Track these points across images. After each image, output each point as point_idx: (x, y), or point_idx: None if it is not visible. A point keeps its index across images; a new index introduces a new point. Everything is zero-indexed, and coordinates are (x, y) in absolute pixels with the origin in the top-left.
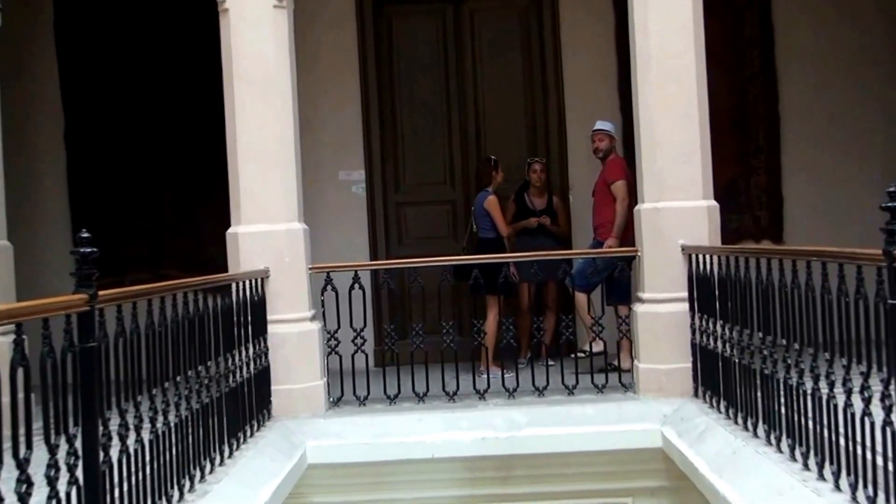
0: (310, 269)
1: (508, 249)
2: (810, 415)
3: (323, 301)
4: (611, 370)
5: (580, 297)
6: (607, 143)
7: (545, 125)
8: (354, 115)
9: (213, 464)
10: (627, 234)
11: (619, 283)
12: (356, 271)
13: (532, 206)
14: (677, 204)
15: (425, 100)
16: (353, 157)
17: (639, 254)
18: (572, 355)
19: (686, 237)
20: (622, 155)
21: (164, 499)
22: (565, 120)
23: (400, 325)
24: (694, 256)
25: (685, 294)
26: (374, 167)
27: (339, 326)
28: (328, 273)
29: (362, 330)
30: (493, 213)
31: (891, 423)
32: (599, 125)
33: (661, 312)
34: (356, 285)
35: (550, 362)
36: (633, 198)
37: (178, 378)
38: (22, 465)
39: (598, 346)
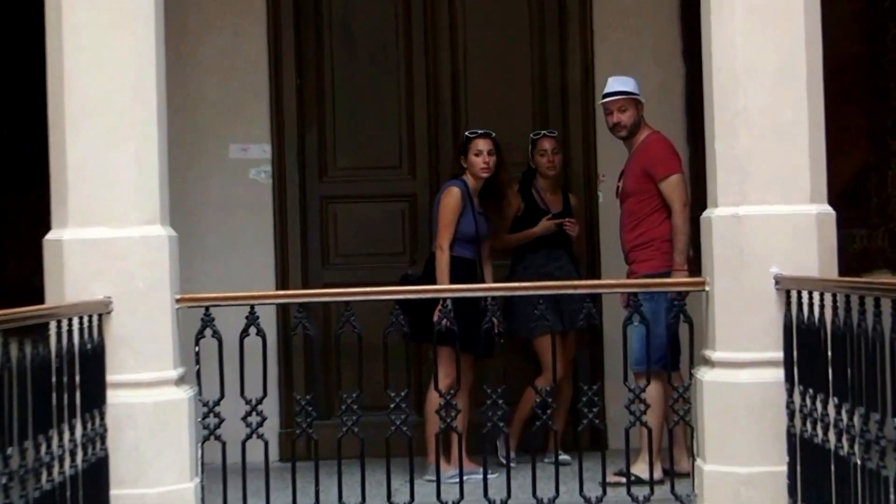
0: (178, 300)
1: (482, 277)
2: None
3: (198, 354)
4: (646, 480)
5: (655, 393)
6: (633, 112)
7: (561, 83)
8: (257, 54)
9: None
10: (670, 262)
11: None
12: (253, 306)
13: (545, 206)
14: (770, 209)
15: (372, 36)
16: (252, 123)
17: (706, 288)
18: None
19: (782, 263)
20: (668, 133)
21: None
22: (593, 74)
23: (322, 394)
24: (795, 294)
25: (779, 354)
26: (287, 139)
27: (222, 395)
28: (207, 309)
29: (260, 401)
30: (440, 218)
31: None
32: (617, 84)
33: (741, 383)
34: (252, 329)
35: (563, 457)
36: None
37: None
38: None
39: (658, 472)
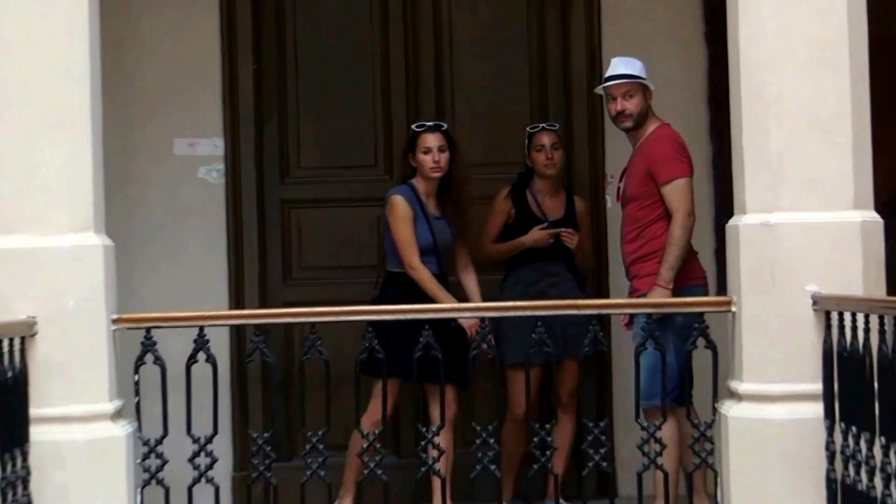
0: (114, 321)
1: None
2: None
3: (138, 383)
4: None
5: (669, 432)
6: (640, 100)
7: (563, 69)
8: (208, 34)
9: None
10: (684, 275)
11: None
12: (202, 328)
13: (541, 212)
14: (806, 217)
15: (342, 13)
16: (201, 113)
17: (732, 309)
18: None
19: (821, 279)
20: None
21: None
22: (600, 59)
23: (283, 432)
24: (835, 316)
25: (817, 386)
26: (243, 132)
27: (166, 432)
28: (149, 331)
29: (210, 440)
30: (395, 236)
31: None
32: (621, 66)
33: (773, 420)
34: (201, 355)
35: None
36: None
37: None
38: None
39: None
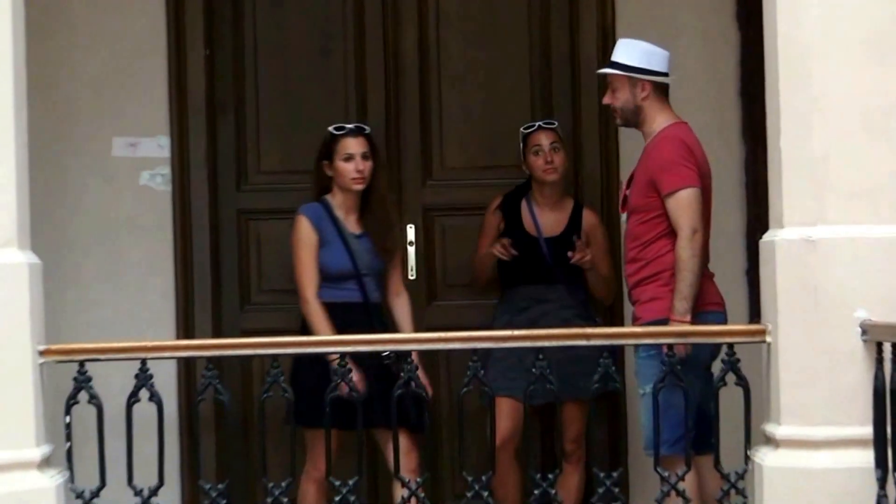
0: (42, 352)
1: (388, 323)
2: None
3: (70, 426)
4: None
5: (690, 483)
6: (627, 95)
7: (570, 55)
8: (152, 12)
9: None
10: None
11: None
12: (144, 361)
13: (536, 227)
14: (855, 231)
15: None
16: (144, 108)
17: (767, 339)
18: None
19: (871, 304)
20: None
21: None
22: (613, 42)
23: (240, 481)
24: (888, 348)
25: (867, 430)
26: (193, 131)
27: (103, 483)
28: (82, 364)
29: (156, 492)
30: (291, 249)
31: None
32: (617, 51)
33: (816, 469)
34: (144, 393)
35: None
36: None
37: None
38: None
39: None
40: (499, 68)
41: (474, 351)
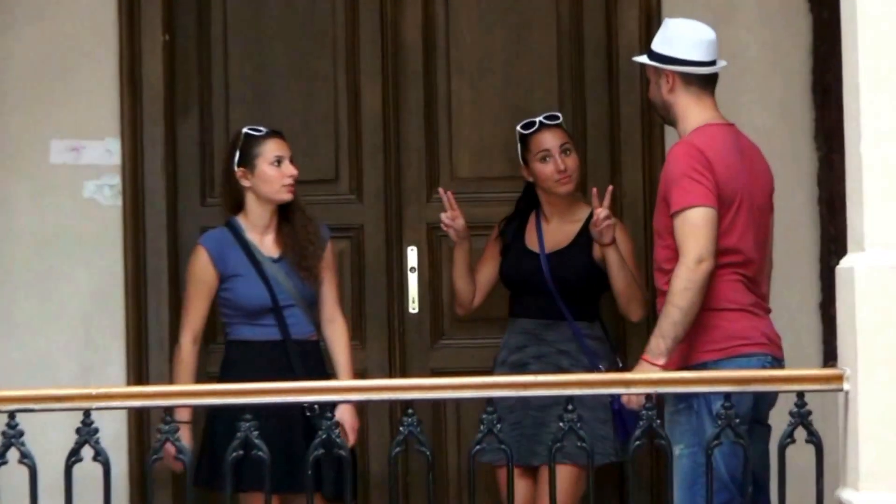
0: None
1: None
2: None
3: None
4: None
5: None
6: (655, 88)
7: (606, 43)
8: None
9: None
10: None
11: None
12: (88, 412)
13: (539, 242)
14: None
15: None
16: (90, 106)
17: (845, 387)
18: None
19: None
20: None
21: None
22: (658, 24)
23: None
24: None
25: None
26: (148, 134)
27: None
28: (12, 415)
29: None
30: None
31: None
32: (659, 33)
33: None
34: (87, 450)
35: None
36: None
37: None
38: None
39: None
40: (520, 57)
41: (489, 400)
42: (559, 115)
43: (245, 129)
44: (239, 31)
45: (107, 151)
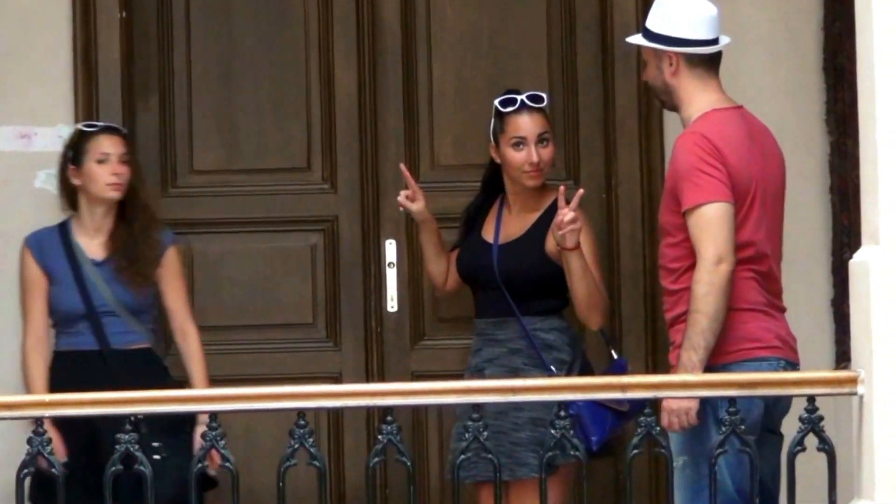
0: None
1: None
2: None
3: None
4: None
5: None
6: (654, 71)
7: (600, 21)
8: None
9: None
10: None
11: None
12: (39, 420)
13: (495, 231)
14: None
15: None
16: (42, 89)
17: (859, 390)
18: None
19: None
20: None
21: None
22: None
23: None
24: None
25: None
26: (104, 119)
27: None
28: None
29: None
30: None
31: None
32: (653, 10)
33: None
34: (40, 461)
35: None
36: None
37: None
38: None
39: None
40: (507, 36)
41: (475, 406)
42: (544, 95)
43: (79, 126)
44: (203, 7)
45: (59, 138)
